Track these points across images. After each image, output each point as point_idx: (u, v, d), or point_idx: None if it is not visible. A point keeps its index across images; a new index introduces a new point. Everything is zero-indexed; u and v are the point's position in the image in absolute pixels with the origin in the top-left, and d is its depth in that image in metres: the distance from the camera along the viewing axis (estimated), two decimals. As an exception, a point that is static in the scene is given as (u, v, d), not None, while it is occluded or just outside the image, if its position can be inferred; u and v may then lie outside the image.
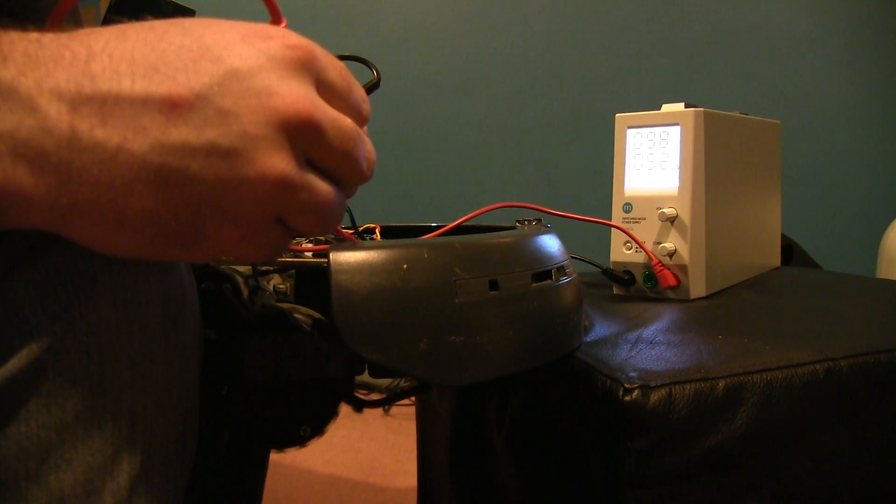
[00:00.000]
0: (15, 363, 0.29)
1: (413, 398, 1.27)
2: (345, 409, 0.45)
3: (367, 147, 0.34)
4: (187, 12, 1.12)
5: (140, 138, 0.27)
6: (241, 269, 0.43)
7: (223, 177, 0.28)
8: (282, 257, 0.46)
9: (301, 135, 0.30)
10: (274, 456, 0.74)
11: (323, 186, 0.31)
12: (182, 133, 0.28)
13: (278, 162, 0.29)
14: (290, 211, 0.30)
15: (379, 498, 1.23)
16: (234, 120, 0.28)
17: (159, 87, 0.28)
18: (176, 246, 0.30)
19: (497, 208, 0.59)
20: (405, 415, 1.61)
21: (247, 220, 0.30)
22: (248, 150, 0.28)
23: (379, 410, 1.62)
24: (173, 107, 0.28)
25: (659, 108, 0.74)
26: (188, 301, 0.36)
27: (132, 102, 0.27)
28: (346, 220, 0.52)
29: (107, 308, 0.31)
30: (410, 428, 1.52)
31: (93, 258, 0.31)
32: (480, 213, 0.58)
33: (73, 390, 0.30)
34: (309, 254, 0.45)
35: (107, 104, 0.27)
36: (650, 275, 0.72)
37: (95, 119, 0.27)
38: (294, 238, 0.34)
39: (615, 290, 0.76)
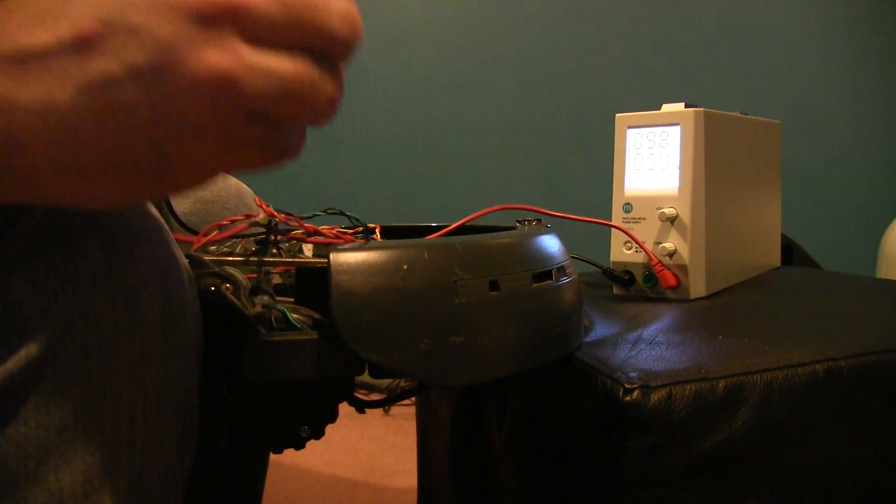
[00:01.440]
0: (14, 363, 0.29)
1: (413, 398, 1.27)
2: (345, 409, 0.45)
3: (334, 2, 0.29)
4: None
5: (64, 86, 0.25)
6: (242, 269, 0.43)
7: (157, 95, 0.26)
8: (282, 258, 0.46)
9: (224, 20, 0.27)
10: (274, 456, 0.74)
11: (282, 64, 0.27)
12: (101, 66, 0.26)
13: (208, 58, 0.26)
14: (255, 102, 0.27)
15: (379, 498, 1.23)
16: (146, 33, 0.26)
17: (67, 27, 0.26)
18: (148, 182, 0.28)
19: (496, 210, 0.59)
20: (405, 415, 1.61)
21: (209, 131, 0.27)
22: (171, 59, 0.26)
23: (379, 410, 1.62)
24: (85, 43, 0.26)
25: (659, 108, 0.74)
26: (188, 301, 0.36)
27: (46, 53, 0.26)
28: (345, 221, 0.51)
29: (106, 308, 0.31)
30: (410, 428, 1.52)
31: (93, 258, 0.31)
32: (480, 216, 0.58)
33: (72, 390, 0.30)
34: (309, 254, 0.45)
35: (25, 61, 0.25)
36: (650, 275, 0.72)
37: (12, 80, 0.25)
38: (288, 130, 0.31)
39: (615, 290, 0.76)
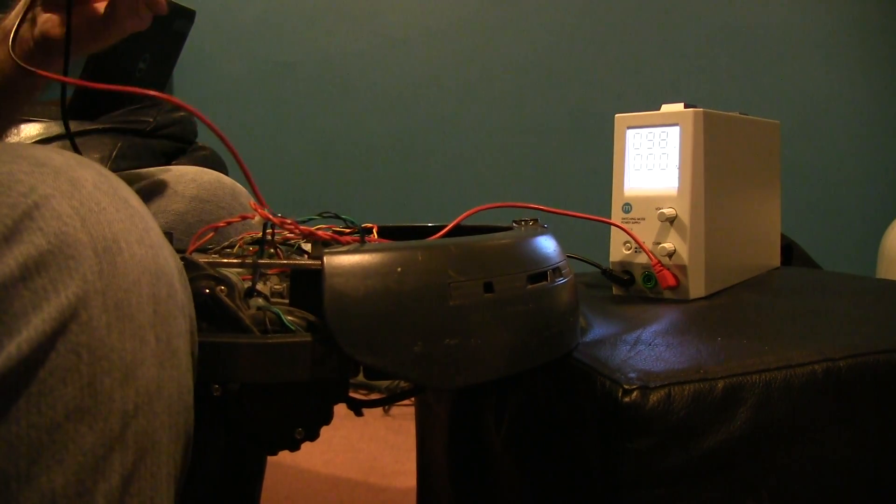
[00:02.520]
0: (4, 362, 0.29)
1: (412, 399, 1.26)
2: (344, 409, 0.45)
3: None
4: (187, 12, 1.11)
5: None
6: (237, 271, 0.43)
7: None
8: (277, 259, 0.46)
9: None
10: (273, 456, 0.74)
11: None
12: None
13: None
14: None
15: (379, 498, 1.23)
16: None
17: None
18: None
19: (493, 208, 0.58)
20: (405, 415, 1.61)
21: None
22: None
23: (379, 410, 1.62)
24: None
25: (659, 108, 0.73)
26: (180, 303, 0.36)
27: None
28: (341, 224, 0.51)
29: (97, 309, 0.31)
30: (410, 428, 1.52)
31: (84, 259, 0.31)
32: (474, 213, 0.57)
33: (63, 390, 0.30)
34: (305, 256, 0.45)
35: None
36: (650, 275, 0.72)
37: None
38: None
39: (614, 291, 0.76)
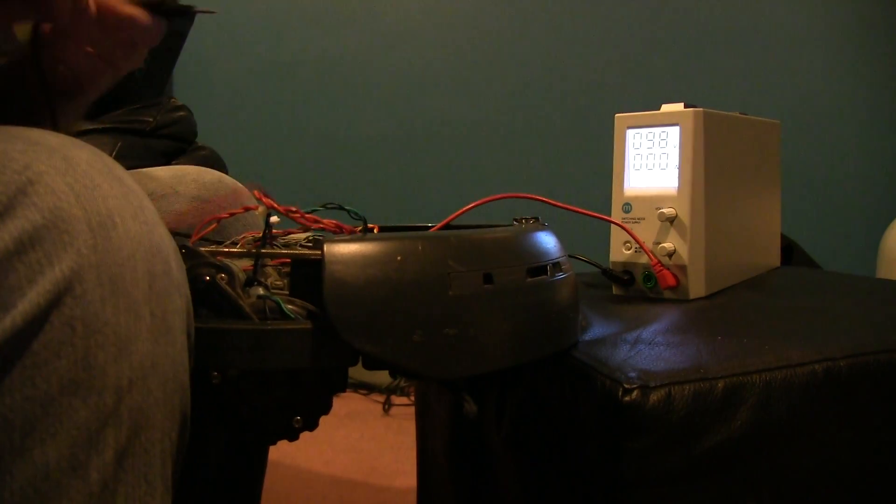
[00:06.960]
0: None
1: (412, 398, 1.26)
2: (345, 409, 0.45)
3: None
4: (187, 12, 1.11)
5: None
6: (238, 261, 0.43)
7: None
8: (278, 250, 0.46)
9: None
10: (274, 456, 0.74)
11: None
12: None
13: None
14: None
15: (379, 498, 1.23)
16: None
17: None
18: None
19: (495, 199, 0.58)
20: (405, 415, 1.61)
21: None
22: None
23: (379, 410, 1.62)
24: None
25: (659, 108, 0.74)
26: (176, 282, 0.36)
27: None
28: (350, 220, 0.52)
29: (92, 283, 0.31)
30: (410, 428, 1.52)
31: (79, 233, 0.31)
32: (480, 204, 0.57)
33: (57, 363, 0.30)
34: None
35: None
36: (650, 275, 0.72)
37: None
38: None
39: (615, 291, 0.76)
